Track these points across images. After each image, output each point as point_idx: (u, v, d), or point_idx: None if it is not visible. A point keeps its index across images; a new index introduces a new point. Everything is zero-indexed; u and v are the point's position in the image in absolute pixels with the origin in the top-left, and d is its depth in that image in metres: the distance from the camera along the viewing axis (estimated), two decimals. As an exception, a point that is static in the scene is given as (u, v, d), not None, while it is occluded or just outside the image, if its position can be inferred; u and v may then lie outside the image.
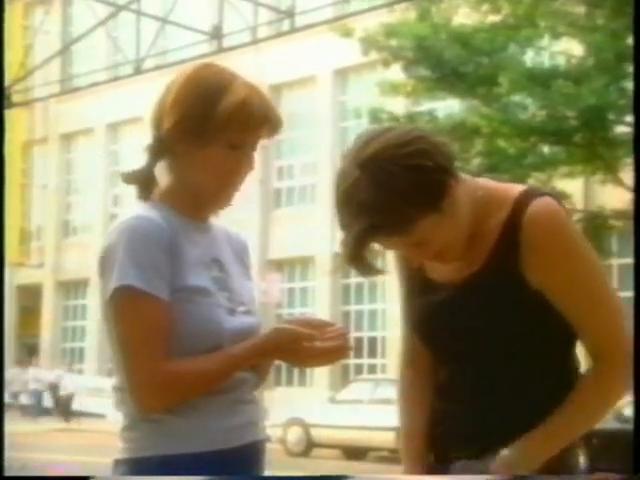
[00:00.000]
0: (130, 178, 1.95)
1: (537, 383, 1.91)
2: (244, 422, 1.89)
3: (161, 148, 1.92)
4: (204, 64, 1.96)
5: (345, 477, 6.44)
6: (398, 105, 16.70)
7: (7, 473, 2.68)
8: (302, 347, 1.85)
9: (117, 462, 1.87)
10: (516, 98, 14.70)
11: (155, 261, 1.80)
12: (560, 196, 1.98)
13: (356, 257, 1.81)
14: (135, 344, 1.79)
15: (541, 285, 1.87)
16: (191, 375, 1.81)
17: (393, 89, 15.83)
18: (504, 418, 1.90)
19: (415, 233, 1.81)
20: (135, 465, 1.84)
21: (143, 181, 1.94)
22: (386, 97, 16.00)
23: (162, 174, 1.97)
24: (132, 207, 1.91)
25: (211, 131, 1.86)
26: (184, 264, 1.85)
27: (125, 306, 1.79)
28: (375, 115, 15.57)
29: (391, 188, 1.75)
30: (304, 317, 1.97)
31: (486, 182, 1.95)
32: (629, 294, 18.35)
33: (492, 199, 1.90)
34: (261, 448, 1.94)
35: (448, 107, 16.49)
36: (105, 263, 1.84)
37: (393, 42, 14.86)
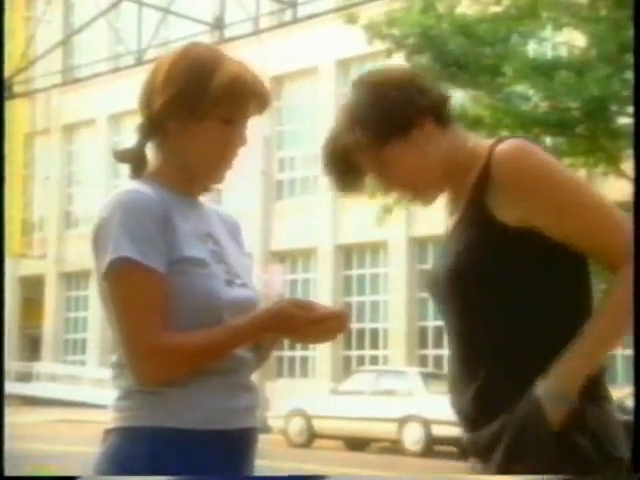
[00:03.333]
0: (122, 156, 1.97)
1: (531, 332, 1.86)
2: (241, 407, 1.88)
3: (152, 127, 1.94)
4: (192, 43, 1.99)
5: (321, 477, 6.51)
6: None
7: (8, 465, 2.67)
8: (302, 319, 1.83)
9: (107, 431, 1.85)
10: (519, 89, 14.67)
11: (150, 233, 1.80)
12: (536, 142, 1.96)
13: (328, 165, 2.02)
14: (133, 316, 1.78)
15: (524, 222, 1.86)
16: (190, 346, 1.80)
17: None
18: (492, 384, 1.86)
19: (381, 155, 1.96)
20: (126, 434, 1.82)
21: (135, 160, 1.95)
22: None
23: (152, 154, 1.98)
24: (123, 184, 1.92)
25: (205, 106, 1.88)
26: (179, 236, 1.85)
27: (121, 278, 1.79)
28: None
29: (360, 110, 1.96)
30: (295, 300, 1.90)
31: (479, 138, 2.04)
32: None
33: (478, 152, 1.96)
34: (254, 435, 1.93)
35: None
36: (99, 238, 1.83)
37: (396, 31, 14.81)
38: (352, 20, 14.97)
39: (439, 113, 1.99)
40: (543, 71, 13.73)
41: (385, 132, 1.94)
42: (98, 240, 1.83)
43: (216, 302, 1.84)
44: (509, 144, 1.89)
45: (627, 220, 1.86)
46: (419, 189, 2.01)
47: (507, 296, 1.88)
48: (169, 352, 1.78)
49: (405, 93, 1.97)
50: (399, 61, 15.59)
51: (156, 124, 1.93)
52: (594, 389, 1.87)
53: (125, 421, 1.82)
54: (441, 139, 1.96)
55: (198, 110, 1.89)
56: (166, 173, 1.93)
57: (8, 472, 2.74)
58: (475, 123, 14.79)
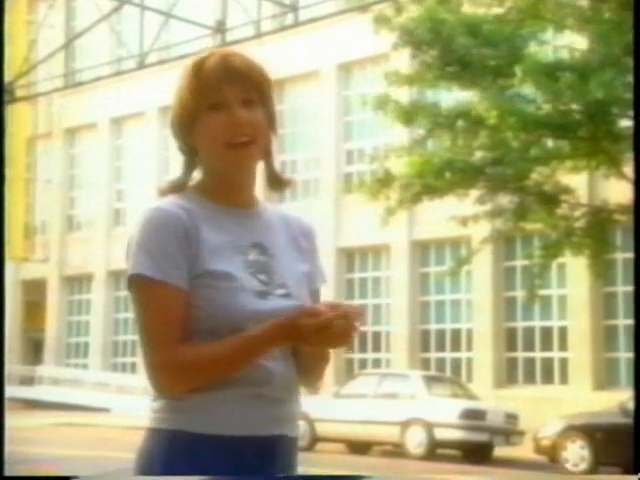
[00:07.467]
0: (171, 189, 2.02)
1: None
2: (262, 417, 1.90)
3: (188, 152, 2.02)
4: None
5: (328, 477, 6.54)
6: (403, 94, 16.63)
7: (11, 468, 2.68)
8: (309, 327, 1.84)
9: (149, 431, 1.94)
10: (523, 90, 14.64)
11: (167, 250, 1.88)
12: None
13: None
14: (148, 330, 1.88)
15: None
16: (202, 358, 1.85)
17: (399, 78, 15.73)
18: None
19: None
20: (151, 435, 1.92)
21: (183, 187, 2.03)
22: (392, 87, 15.91)
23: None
24: (161, 199, 1.99)
25: (191, 106, 1.95)
26: (205, 250, 1.90)
27: (138, 294, 1.90)
28: (380, 104, 15.53)
29: None
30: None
31: None
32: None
33: None
34: (281, 443, 1.94)
35: (453, 98, 16.43)
36: (127, 254, 1.94)
37: (404, 21, 14.69)
38: (363, 10, 14.91)
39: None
40: (548, 73, 13.71)
41: None
42: (127, 256, 1.94)
43: (239, 314, 1.88)
44: None
45: None
46: None
47: None
48: (182, 365, 1.85)
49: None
50: (402, 60, 15.60)
51: (184, 146, 2.02)
52: None
53: (152, 422, 1.93)
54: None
55: (192, 114, 1.95)
56: (206, 184, 2.00)
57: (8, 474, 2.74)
58: (477, 124, 14.79)
